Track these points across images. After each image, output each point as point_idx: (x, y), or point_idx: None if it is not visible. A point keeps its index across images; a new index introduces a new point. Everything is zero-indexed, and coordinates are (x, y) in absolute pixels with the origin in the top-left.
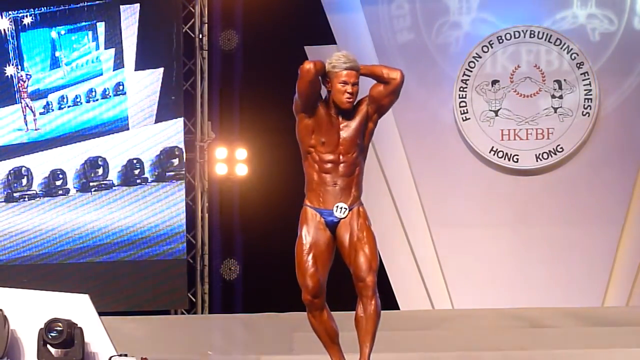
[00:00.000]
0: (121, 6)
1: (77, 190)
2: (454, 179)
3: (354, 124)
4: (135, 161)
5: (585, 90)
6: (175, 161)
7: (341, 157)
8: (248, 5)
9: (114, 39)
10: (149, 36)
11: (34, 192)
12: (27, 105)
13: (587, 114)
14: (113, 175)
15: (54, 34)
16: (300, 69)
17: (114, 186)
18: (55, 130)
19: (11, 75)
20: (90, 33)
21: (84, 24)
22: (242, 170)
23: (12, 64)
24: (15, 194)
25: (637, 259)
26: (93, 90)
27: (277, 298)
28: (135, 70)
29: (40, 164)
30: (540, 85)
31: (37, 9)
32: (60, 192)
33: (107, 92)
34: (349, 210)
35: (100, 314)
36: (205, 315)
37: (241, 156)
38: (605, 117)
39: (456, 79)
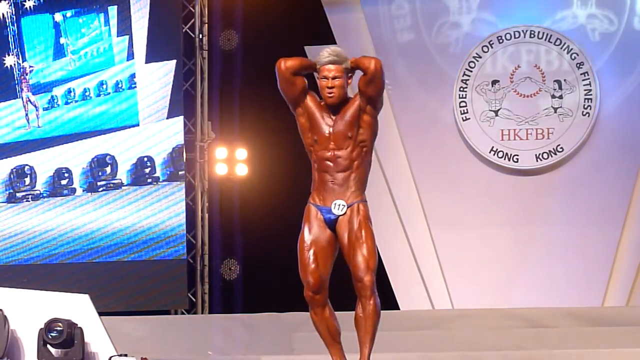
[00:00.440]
0: None
1: (83, 190)
2: (454, 179)
3: (345, 117)
4: (145, 159)
5: (585, 90)
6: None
7: (334, 152)
8: (248, 5)
9: (126, 26)
10: (161, 27)
11: (38, 191)
12: (29, 100)
13: (587, 114)
14: (122, 174)
15: (58, 16)
16: (275, 67)
17: (124, 185)
18: (61, 127)
19: (11, 66)
20: (101, 16)
21: (93, 6)
22: (242, 170)
23: (12, 53)
24: (17, 194)
25: (637, 259)
26: (104, 83)
27: (277, 298)
28: (146, 62)
29: (44, 163)
30: (540, 85)
31: None
32: (66, 191)
33: (120, 85)
34: (348, 207)
35: (100, 314)
36: (205, 315)
37: (241, 156)
38: (605, 117)
39: (456, 79)
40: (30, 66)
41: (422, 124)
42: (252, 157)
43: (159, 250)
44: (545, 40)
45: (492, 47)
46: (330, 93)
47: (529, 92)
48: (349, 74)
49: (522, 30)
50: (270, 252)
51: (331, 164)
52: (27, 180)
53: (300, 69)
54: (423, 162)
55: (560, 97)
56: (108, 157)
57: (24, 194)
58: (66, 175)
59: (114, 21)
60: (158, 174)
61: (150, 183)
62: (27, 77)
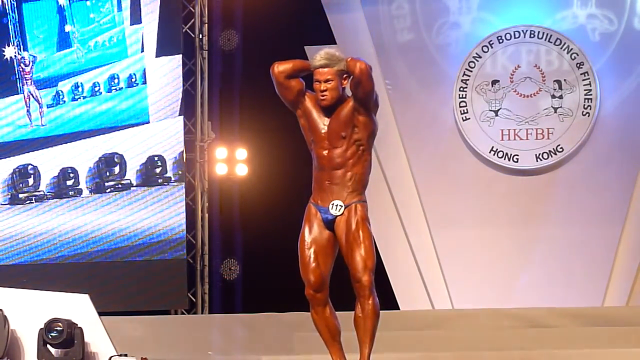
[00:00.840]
0: None
1: (90, 191)
2: (454, 179)
3: (339, 117)
4: (156, 158)
5: (585, 90)
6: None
7: (329, 151)
8: (248, 5)
9: (138, 15)
10: (171, 19)
11: (42, 192)
12: (31, 95)
13: (587, 114)
14: (131, 174)
15: (62, 0)
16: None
17: (133, 186)
18: (67, 125)
19: (11, 57)
20: (114, 0)
21: None
22: (242, 170)
23: (13, 44)
24: (20, 195)
25: (637, 259)
26: (116, 77)
27: (277, 298)
28: (156, 56)
29: (49, 161)
30: (540, 85)
31: None
32: (71, 192)
33: (133, 80)
34: (345, 208)
35: (100, 314)
36: (205, 315)
37: (241, 156)
38: (605, 117)
39: (456, 79)
40: (33, 57)
41: (422, 124)
42: (252, 157)
43: (159, 250)
44: (545, 40)
45: (492, 47)
46: (322, 96)
47: (529, 92)
48: (344, 75)
49: (522, 30)
50: (270, 252)
51: (327, 163)
52: (31, 180)
53: (293, 72)
54: (423, 162)
55: (560, 97)
56: (116, 156)
57: (27, 195)
58: (72, 175)
59: (126, 3)
60: (169, 173)
61: (161, 184)
62: (30, 69)
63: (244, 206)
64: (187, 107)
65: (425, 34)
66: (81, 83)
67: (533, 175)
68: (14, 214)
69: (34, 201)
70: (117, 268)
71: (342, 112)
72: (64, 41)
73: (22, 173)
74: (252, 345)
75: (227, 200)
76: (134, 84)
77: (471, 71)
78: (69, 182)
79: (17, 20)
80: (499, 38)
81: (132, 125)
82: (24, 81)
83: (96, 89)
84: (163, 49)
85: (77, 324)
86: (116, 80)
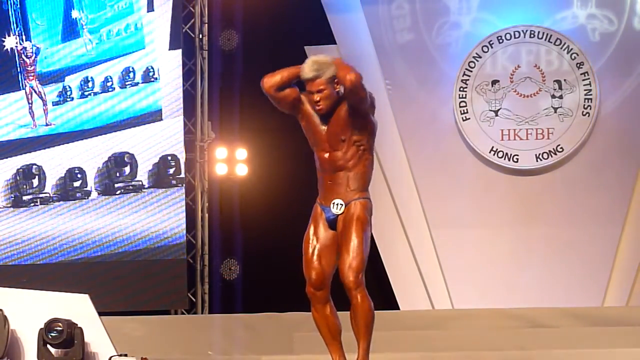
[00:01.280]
0: None
1: (99, 193)
2: (454, 179)
3: (338, 120)
4: (169, 157)
5: (585, 90)
6: None
7: (330, 153)
8: (248, 5)
9: (152, 1)
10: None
11: (47, 194)
12: (34, 90)
13: (587, 114)
14: (142, 175)
15: None
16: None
17: (144, 188)
18: (73, 121)
19: (12, 48)
20: None
21: None
22: (242, 170)
23: (14, 33)
24: (24, 197)
25: (637, 259)
26: (131, 70)
27: (277, 298)
28: (169, 49)
29: (53, 159)
30: (540, 85)
31: None
32: (79, 194)
33: (151, 74)
34: (345, 206)
35: (100, 314)
36: (205, 315)
37: (241, 156)
38: (605, 117)
39: (456, 79)
40: (36, 48)
41: (422, 124)
42: (252, 157)
43: (159, 250)
44: (545, 40)
45: (492, 47)
46: (317, 106)
47: (529, 92)
48: (336, 80)
49: (522, 30)
50: (270, 252)
51: (328, 165)
52: (35, 181)
53: (283, 84)
54: (423, 162)
55: (560, 97)
56: (127, 155)
57: (31, 197)
58: (79, 176)
59: None
60: (183, 174)
61: (175, 185)
62: (33, 61)
63: (244, 206)
64: (187, 107)
65: (425, 34)
66: (91, 77)
67: (533, 175)
68: (15, 214)
69: (38, 204)
70: (117, 268)
71: (340, 114)
72: (70, 30)
73: (26, 173)
74: (252, 345)
75: (227, 200)
76: (153, 80)
77: (471, 71)
78: (76, 184)
79: (18, 6)
80: (499, 38)
81: (144, 123)
82: (26, 75)
83: (108, 83)
84: (175, 43)
85: (77, 324)
86: (131, 74)
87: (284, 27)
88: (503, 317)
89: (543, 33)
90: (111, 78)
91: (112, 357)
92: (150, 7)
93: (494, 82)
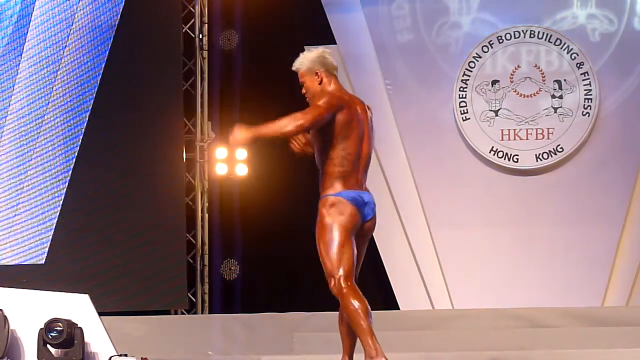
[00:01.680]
0: None
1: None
2: (454, 179)
3: None
4: None
5: (585, 90)
6: None
7: (314, 154)
8: (248, 5)
9: None
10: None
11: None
12: None
13: (587, 114)
14: None
15: None
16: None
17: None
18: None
19: None
20: None
21: None
22: (242, 170)
23: None
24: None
25: (637, 259)
26: None
27: (277, 298)
28: None
29: None
30: (540, 85)
31: None
32: None
33: None
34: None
35: (100, 314)
36: (205, 315)
37: (241, 156)
38: (605, 117)
39: (456, 79)
40: None
41: (422, 124)
42: (252, 157)
43: (159, 250)
44: (545, 40)
45: (492, 47)
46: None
47: (529, 92)
48: (312, 71)
49: (522, 30)
50: (270, 252)
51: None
52: None
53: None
54: (423, 162)
55: (560, 97)
56: None
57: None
58: None
59: None
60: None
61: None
62: None
63: (244, 206)
64: (187, 107)
65: (425, 34)
66: None
67: (533, 175)
68: (15, 213)
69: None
70: (117, 268)
71: None
72: None
73: None
74: (252, 345)
75: (227, 200)
76: None
77: (471, 71)
78: None
79: None
80: (499, 38)
81: None
82: None
83: None
84: None
85: (77, 324)
86: None
87: (284, 27)
88: (503, 317)
89: (543, 33)
90: None
91: (112, 357)
92: None
93: (494, 82)
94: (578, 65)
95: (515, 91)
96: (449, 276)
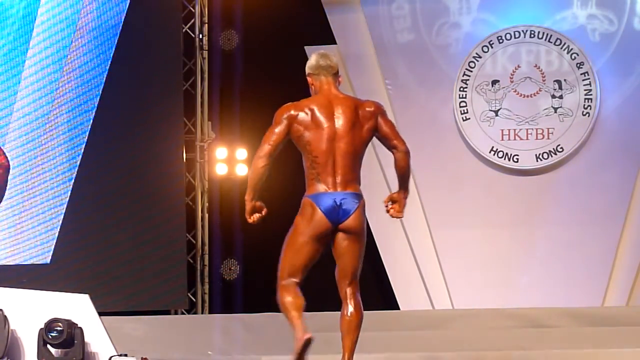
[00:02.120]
0: None
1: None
2: (454, 179)
3: None
4: None
5: (585, 90)
6: None
7: None
8: (248, 5)
9: None
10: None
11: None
12: None
13: (587, 114)
14: None
15: None
16: None
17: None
18: None
19: None
20: None
21: None
22: (242, 170)
23: None
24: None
25: (637, 259)
26: None
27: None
28: None
29: None
30: (540, 85)
31: None
32: None
33: None
34: None
35: (100, 314)
36: (205, 315)
37: (241, 156)
38: (605, 117)
39: (456, 79)
40: None
41: (422, 124)
42: (252, 157)
43: (159, 250)
44: (545, 40)
45: (492, 47)
46: None
47: (529, 92)
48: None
49: (522, 30)
50: (270, 252)
51: None
52: None
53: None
54: (423, 162)
55: (561, 97)
56: None
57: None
58: None
59: None
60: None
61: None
62: None
63: (244, 206)
64: (187, 107)
65: (425, 34)
66: None
67: (533, 175)
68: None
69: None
70: (117, 268)
71: None
72: None
73: None
74: (252, 345)
75: (227, 200)
76: None
77: (471, 71)
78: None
79: None
80: (499, 38)
81: None
82: None
83: None
84: None
85: (77, 324)
86: None
87: (284, 27)
88: (503, 317)
89: (543, 33)
90: None
91: (112, 357)
92: None
93: (494, 82)
94: (578, 65)
95: (515, 91)
96: (449, 276)
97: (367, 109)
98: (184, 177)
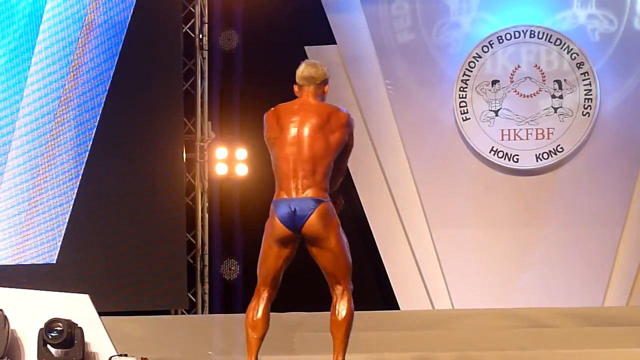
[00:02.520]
0: None
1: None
2: (454, 179)
3: None
4: None
5: (585, 90)
6: None
7: None
8: (248, 5)
9: None
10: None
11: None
12: None
13: (587, 114)
14: None
15: None
16: None
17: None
18: None
19: None
20: None
21: None
22: (242, 170)
23: None
24: None
25: (637, 259)
26: None
27: (277, 298)
28: None
29: None
30: (540, 85)
31: None
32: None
33: None
34: None
35: (100, 314)
36: (205, 315)
37: (241, 156)
38: (605, 117)
39: (456, 79)
40: None
41: (422, 124)
42: (252, 157)
43: (159, 250)
44: (546, 40)
45: (492, 47)
46: None
47: (529, 92)
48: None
49: (522, 30)
50: None
51: None
52: None
53: None
54: (423, 162)
55: (561, 97)
56: None
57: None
58: None
59: None
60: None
61: None
62: None
63: (244, 206)
64: (187, 107)
65: (425, 34)
66: None
67: (533, 175)
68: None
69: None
70: (117, 268)
71: None
72: None
73: None
74: None
75: (227, 200)
76: None
77: (471, 71)
78: None
79: None
80: (499, 38)
81: None
82: None
83: None
84: None
85: (77, 324)
86: None
87: (284, 27)
88: (503, 317)
89: (543, 33)
90: None
91: (112, 357)
92: None
93: (494, 82)
94: (578, 65)
95: (515, 91)
96: (449, 276)
97: (340, 119)
98: (184, 177)
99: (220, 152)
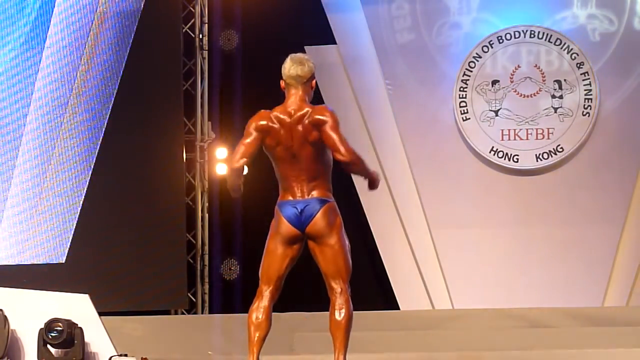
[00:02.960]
0: None
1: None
2: (454, 179)
3: None
4: None
5: (585, 90)
6: None
7: None
8: (248, 5)
9: None
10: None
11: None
12: None
13: (587, 114)
14: None
15: None
16: None
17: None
18: None
19: None
20: None
21: None
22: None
23: None
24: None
25: (637, 259)
26: None
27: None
28: None
29: None
30: (540, 85)
31: None
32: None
33: None
34: None
35: (100, 314)
36: (205, 315)
37: None
38: (605, 118)
39: (456, 79)
40: None
41: (422, 124)
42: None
43: (159, 250)
44: (546, 40)
45: (492, 47)
46: None
47: (529, 92)
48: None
49: (522, 30)
50: None
51: None
52: None
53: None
54: (423, 162)
55: (561, 97)
56: None
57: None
58: None
59: None
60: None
61: None
62: None
63: (244, 206)
64: (187, 107)
65: (425, 34)
66: None
67: (533, 175)
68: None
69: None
70: (117, 268)
71: None
72: None
73: None
74: None
75: (227, 200)
76: None
77: (471, 71)
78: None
79: None
80: (499, 38)
81: None
82: None
83: None
84: None
85: (77, 324)
86: None
87: (284, 27)
88: (503, 317)
89: (543, 33)
90: None
91: (112, 357)
92: None
93: (494, 82)
94: (578, 65)
95: (515, 91)
96: (449, 276)
97: (316, 116)
98: (184, 177)
99: (220, 152)
